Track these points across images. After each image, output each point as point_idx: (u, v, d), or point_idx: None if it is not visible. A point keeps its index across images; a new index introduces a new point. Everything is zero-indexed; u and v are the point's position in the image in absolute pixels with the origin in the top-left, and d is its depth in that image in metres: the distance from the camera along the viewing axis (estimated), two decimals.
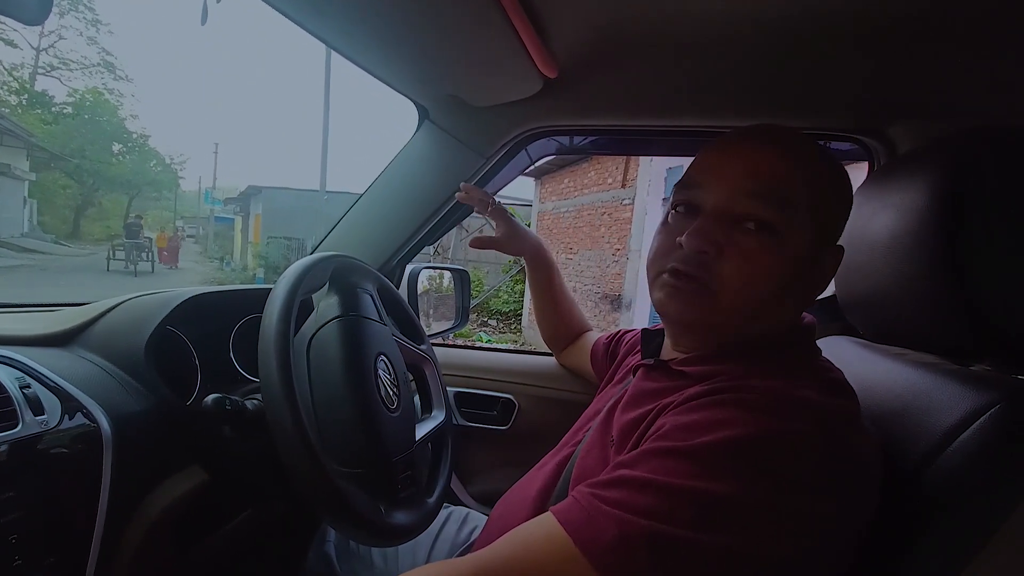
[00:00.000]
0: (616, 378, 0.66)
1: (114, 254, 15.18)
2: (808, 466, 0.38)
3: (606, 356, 0.83)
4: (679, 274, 0.48)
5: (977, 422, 0.40)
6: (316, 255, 0.64)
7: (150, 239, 17.09)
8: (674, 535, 0.36)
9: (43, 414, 0.52)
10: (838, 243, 0.51)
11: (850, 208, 0.51)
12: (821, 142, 0.91)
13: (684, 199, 0.50)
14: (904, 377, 0.51)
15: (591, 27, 0.62)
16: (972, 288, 0.42)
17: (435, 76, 0.80)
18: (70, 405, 0.55)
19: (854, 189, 0.57)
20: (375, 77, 0.81)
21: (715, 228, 0.46)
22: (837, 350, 0.65)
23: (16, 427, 0.49)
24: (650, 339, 0.59)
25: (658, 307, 0.51)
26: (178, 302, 0.70)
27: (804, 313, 0.54)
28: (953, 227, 0.42)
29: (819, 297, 0.98)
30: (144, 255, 15.44)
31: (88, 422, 0.55)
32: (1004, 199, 0.41)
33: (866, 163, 0.89)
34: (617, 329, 0.87)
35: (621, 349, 0.78)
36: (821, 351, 0.51)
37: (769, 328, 0.49)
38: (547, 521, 0.40)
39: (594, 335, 0.95)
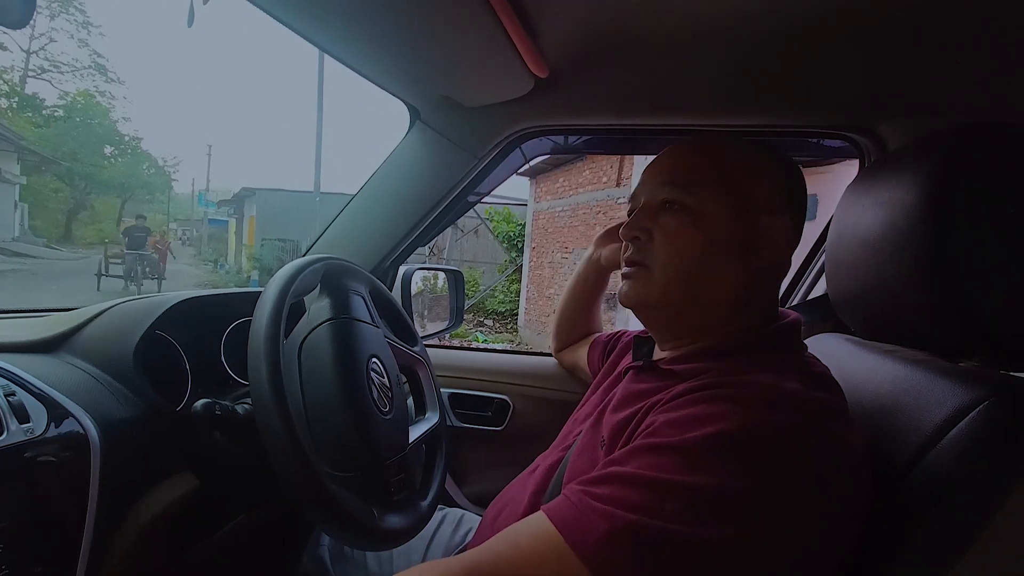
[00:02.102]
0: (608, 381, 0.67)
1: (107, 268, 11.20)
2: (793, 458, 0.38)
3: (603, 353, 0.84)
4: (627, 263, 0.56)
5: (966, 418, 0.40)
6: (307, 257, 0.64)
7: (162, 251, 12.87)
8: (661, 529, 0.36)
9: (28, 422, 0.51)
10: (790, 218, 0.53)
11: (776, 177, 0.54)
12: (813, 140, 0.92)
13: (629, 208, 0.58)
14: (894, 374, 0.51)
15: (581, 26, 0.61)
16: (961, 285, 0.42)
17: (426, 77, 0.79)
18: (57, 412, 0.54)
19: (845, 186, 0.57)
20: (365, 78, 0.80)
21: (643, 217, 0.55)
22: (829, 347, 0.65)
23: (0, 435, 0.48)
24: (641, 344, 0.61)
25: (619, 300, 0.57)
26: (167, 306, 0.70)
27: (789, 311, 0.55)
28: (942, 224, 0.42)
29: (812, 296, 0.99)
30: (150, 270, 11.51)
31: (75, 429, 0.54)
32: (992, 195, 0.41)
33: (857, 160, 0.89)
34: (619, 329, 0.87)
35: (617, 348, 0.78)
36: (807, 347, 0.52)
37: (747, 320, 0.51)
38: (538, 519, 0.41)
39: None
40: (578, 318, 1.00)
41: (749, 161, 0.54)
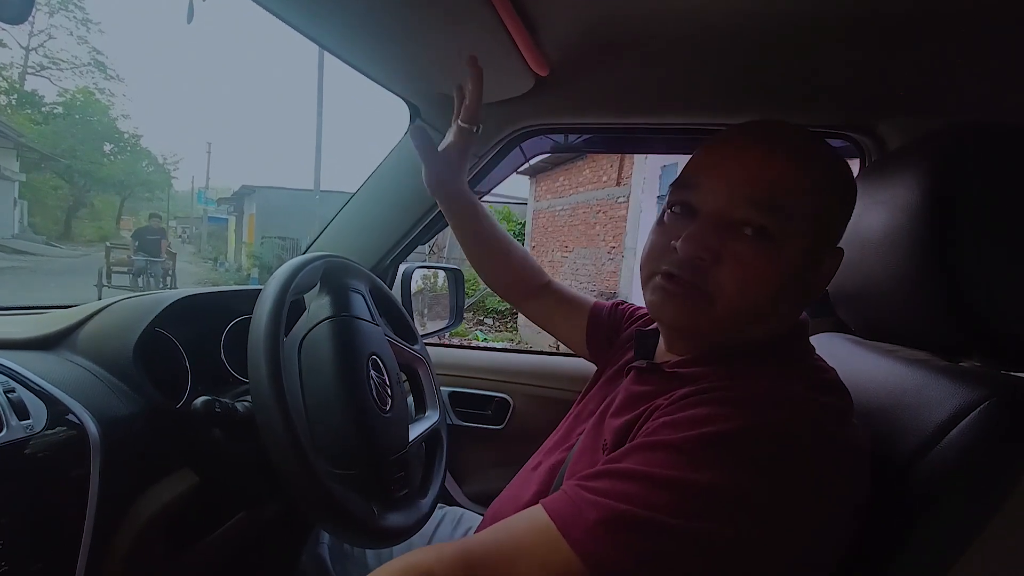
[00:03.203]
0: (608, 375, 0.66)
1: (110, 278, 9.10)
2: (789, 458, 0.38)
3: (607, 336, 0.74)
4: (673, 278, 0.47)
5: (967, 418, 0.40)
6: (307, 255, 0.64)
7: (174, 254, 10.40)
8: (651, 519, 0.36)
9: (28, 419, 0.51)
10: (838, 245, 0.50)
11: (852, 209, 0.49)
12: None
13: (681, 199, 0.49)
14: (895, 373, 0.51)
15: (581, 25, 0.61)
16: (961, 284, 0.42)
17: (426, 75, 0.79)
18: (56, 409, 0.54)
19: None
20: (366, 76, 0.80)
21: (711, 234, 0.45)
22: (829, 346, 0.65)
23: (0, 432, 0.48)
24: (643, 340, 0.59)
25: (651, 310, 0.50)
26: (167, 303, 0.70)
27: None
28: (941, 223, 0.42)
29: None
30: (167, 281, 9.43)
31: (75, 426, 0.54)
32: (991, 195, 0.41)
33: (857, 160, 0.89)
34: (618, 300, 0.79)
35: (622, 330, 0.72)
36: (814, 349, 0.50)
37: (764, 331, 0.49)
38: (534, 510, 0.41)
39: (581, 298, 0.82)
40: (495, 257, 0.81)
41: (837, 183, 0.47)
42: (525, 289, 0.84)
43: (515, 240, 0.85)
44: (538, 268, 0.86)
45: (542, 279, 0.85)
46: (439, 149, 0.71)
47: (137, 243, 9.31)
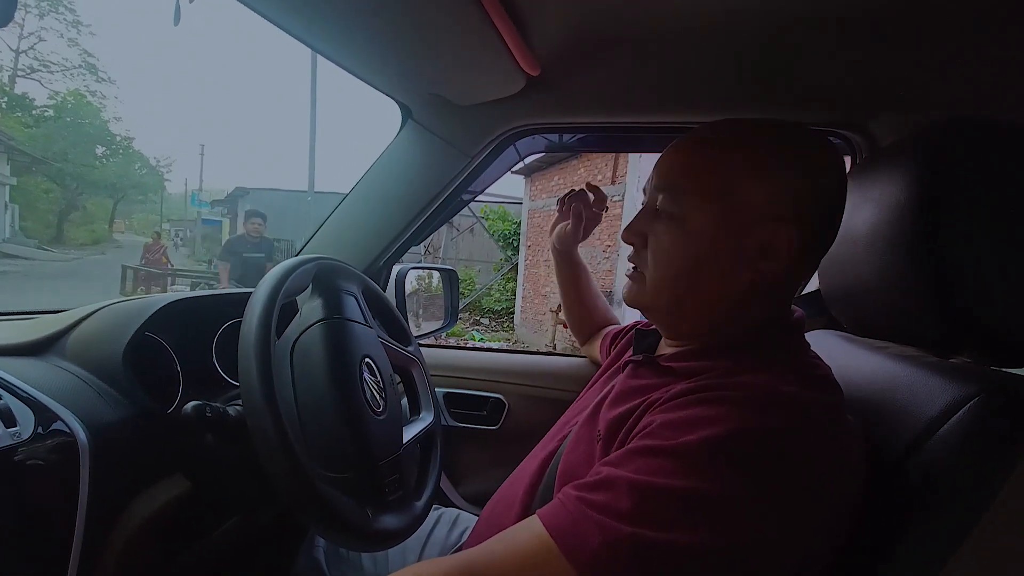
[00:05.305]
0: (608, 373, 0.66)
1: None
2: (789, 462, 0.38)
3: (610, 345, 0.83)
4: (630, 263, 0.56)
5: (957, 414, 0.40)
6: (298, 257, 0.64)
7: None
8: (657, 539, 0.36)
9: (15, 426, 0.50)
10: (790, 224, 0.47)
11: (784, 182, 0.47)
12: None
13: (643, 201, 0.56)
14: (886, 370, 0.51)
15: (572, 24, 0.61)
16: (951, 280, 0.42)
17: (417, 75, 0.79)
18: (44, 416, 0.53)
19: None
20: (357, 77, 0.80)
21: (639, 221, 0.54)
22: (821, 343, 0.65)
23: None
24: (643, 337, 0.60)
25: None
26: (157, 307, 0.69)
27: (793, 307, 0.54)
28: (932, 220, 0.43)
29: (804, 292, 1.00)
30: None
31: (63, 433, 0.53)
32: (980, 191, 0.42)
33: (848, 157, 0.89)
34: (635, 321, 0.84)
35: (623, 341, 0.77)
36: (809, 346, 0.51)
37: (746, 320, 0.50)
38: (534, 524, 0.40)
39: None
40: (580, 310, 0.99)
41: (751, 162, 0.48)
42: (593, 331, 0.99)
43: (601, 295, 1.01)
44: (609, 315, 1.00)
45: (608, 322, 0.98)
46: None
47: (228, 263, 4.91)
